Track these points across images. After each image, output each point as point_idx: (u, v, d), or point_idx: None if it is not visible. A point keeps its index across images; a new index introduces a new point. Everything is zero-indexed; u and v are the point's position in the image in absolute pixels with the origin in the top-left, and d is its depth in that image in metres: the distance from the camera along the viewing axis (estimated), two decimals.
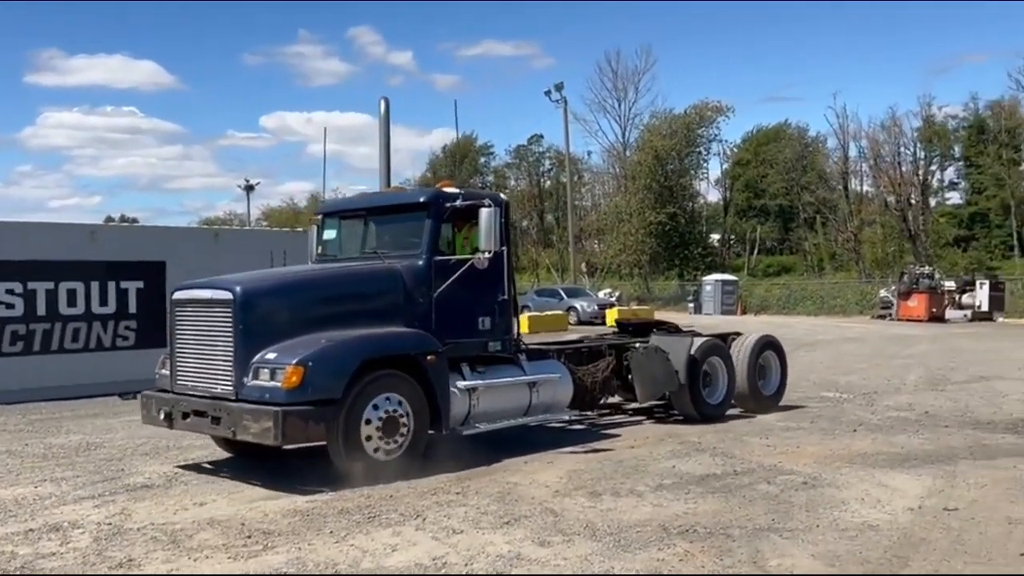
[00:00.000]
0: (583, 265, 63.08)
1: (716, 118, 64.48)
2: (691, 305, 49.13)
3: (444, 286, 9.36)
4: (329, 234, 10.67)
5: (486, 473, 8.70)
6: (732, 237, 75.69)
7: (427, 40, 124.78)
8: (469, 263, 9.45)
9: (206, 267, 16.91)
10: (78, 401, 14.64)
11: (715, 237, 73.59)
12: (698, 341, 11.96)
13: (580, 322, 38.25)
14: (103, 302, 15.89)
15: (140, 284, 16.28)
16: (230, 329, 8.48)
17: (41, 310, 15.23)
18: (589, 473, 8.65)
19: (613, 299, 46.05)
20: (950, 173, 67.74)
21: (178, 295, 9.21)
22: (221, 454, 9.93)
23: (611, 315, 38.34)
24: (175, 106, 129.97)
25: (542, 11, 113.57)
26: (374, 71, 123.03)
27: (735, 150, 75.02)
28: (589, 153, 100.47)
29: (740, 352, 12.49)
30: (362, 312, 9.11)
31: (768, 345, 12.94)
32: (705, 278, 51.71)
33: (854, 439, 10.38)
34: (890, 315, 40.26)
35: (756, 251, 72.83)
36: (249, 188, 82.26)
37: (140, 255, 16.37)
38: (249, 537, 6.67)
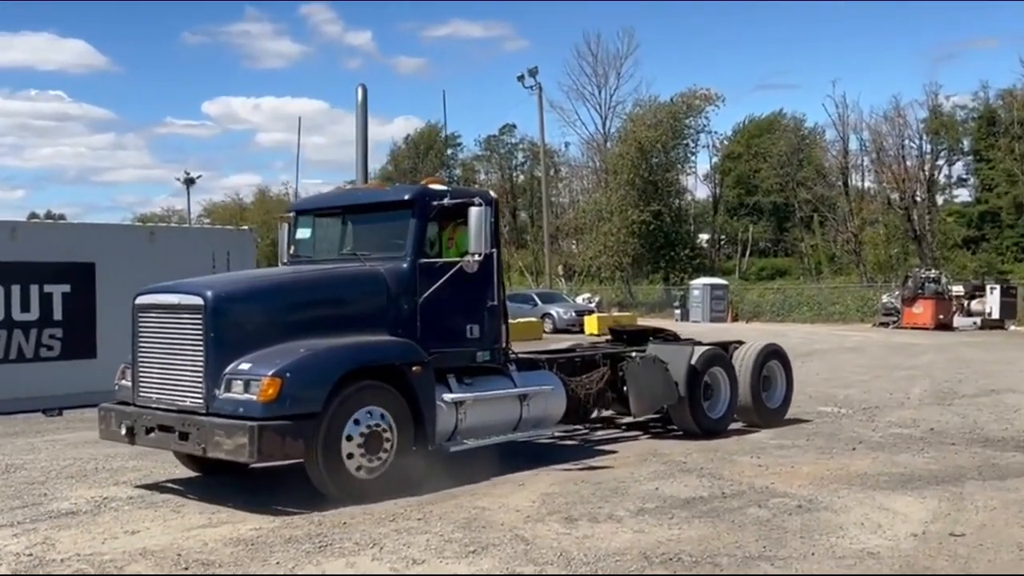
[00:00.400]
0: (559, 268, 63.20)
1: (705, 107, 64.84)
2: (677, 311, 49.37)
3: (430, 291, 9.51)
4: (303, 233, 10.76)
5: (450, 496, 8.69)
6: (722, 237, 76.12)
7: (388, 19, 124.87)
8: (457, 266, 9.60)
9: (141, 269, 16.82)
10: None
11: (704, 237, 73.95)
12: (699, 350, 12.10)
13: (556, 330, 38.35)
14: (25, 308, 15.68)
15: (66, 288, 16.11)
16: (200, 337, 8.56)
17: None
18: (564, 496, 8.66)
19: (592, 305, 46.23)
20: (958, 168, 68.43)
21: (141, 300, 9.34)
22: (155, 476, 9.89)
23: (589, 322, 38.52)
24: (107, 90, 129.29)
25: None
26: (329, 53, 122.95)
27: (725, 142, 75.48)
28: (566, 145, 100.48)
29: (743, 362, 12.67)
30: (342, 318, 9.25)
31: (773, 354, 13.17)
32: (693, 282, 51.97)
33: (853, 458, 10.47)
34: (893, 322, 40.66)
35: (748, 253, 73.20)
36: (189, 181, 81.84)
37: (67, 256, 16.20)
38: (186, 569, 6.62)
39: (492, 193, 10.55)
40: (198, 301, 8.66)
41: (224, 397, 8.34)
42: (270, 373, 8.17)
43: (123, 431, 9.04)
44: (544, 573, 6.45)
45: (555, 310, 41.00)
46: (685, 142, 65.51)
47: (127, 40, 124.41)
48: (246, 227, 20.32)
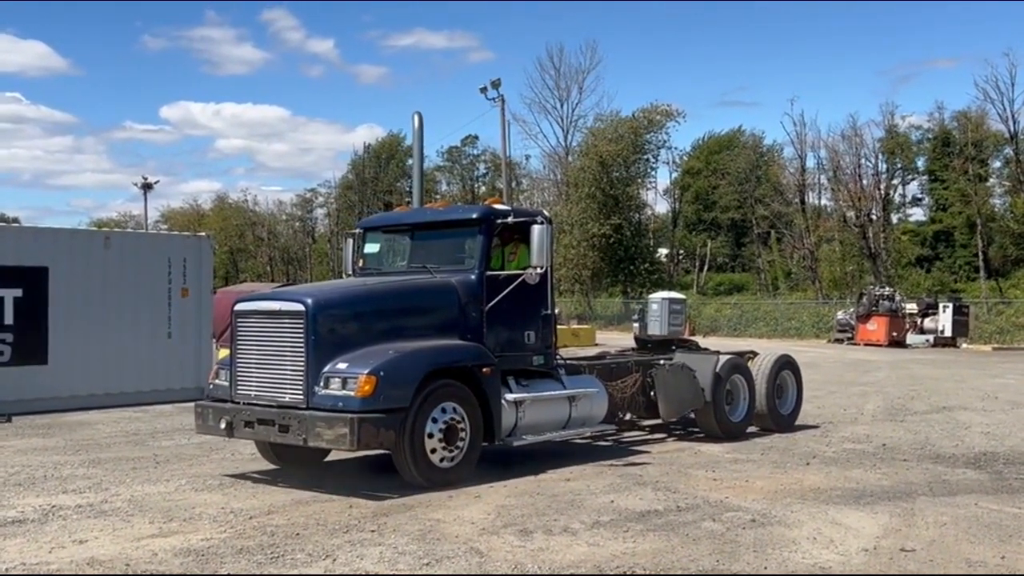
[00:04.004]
0: None
1: (665, 123, 65.23)
2: (636, 325, 49.26)
3: (495, 300, 10.47)
4: (371, 248, 11.80)
5: (404, 508, 8.64)
6: (681, 252, 76.64)
7: (351, 27, 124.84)
8: (520, 278, 10.54)
9: (95, 274, 16.74)
10: None
11: (663, 252, 74.31)
12: (723, 359, 13.04)
13: None
14: None
15: (18, 292, 15.88)
16: (301, 340, 9.42)
17: None
18: (519, 509, 8.64)
19: None
20: (913, 188, 69.43)
21: (241, 307, 10.12)
22: (105, 484, 9.78)
23: None
24: (66, 93, 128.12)
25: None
26: (291, 60, 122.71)
27: (685, 158, 76.10)
28: (528, 157, 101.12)
29: (760, 371, 13.62)
30: (420, 324, 10.23)
31: (786, 365, 14.22)
32: (651, 296, 51.84)
33: (806, 473, 10.55)
34: (848, 339, 41.07)
35: (706, 267, 73.76)
36: (147, 186, 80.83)
37: (19, 259, 15.97)
38: None
39: (547, 213, 11.42)
40: (300, 308, 9.50)
41: (324, 393, 9.20)
42: (366, 372, 9.07)
43: (222, 426, 9.78)
44: None
45: None
46: (645, 157, 65.82)
47: (87, 42, 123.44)
48: (203, 233, 20.09)
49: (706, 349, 13.96)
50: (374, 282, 10.92)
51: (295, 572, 6.70)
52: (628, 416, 12.93)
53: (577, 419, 11.29)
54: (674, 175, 76.23)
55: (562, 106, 70.30)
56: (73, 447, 12.38)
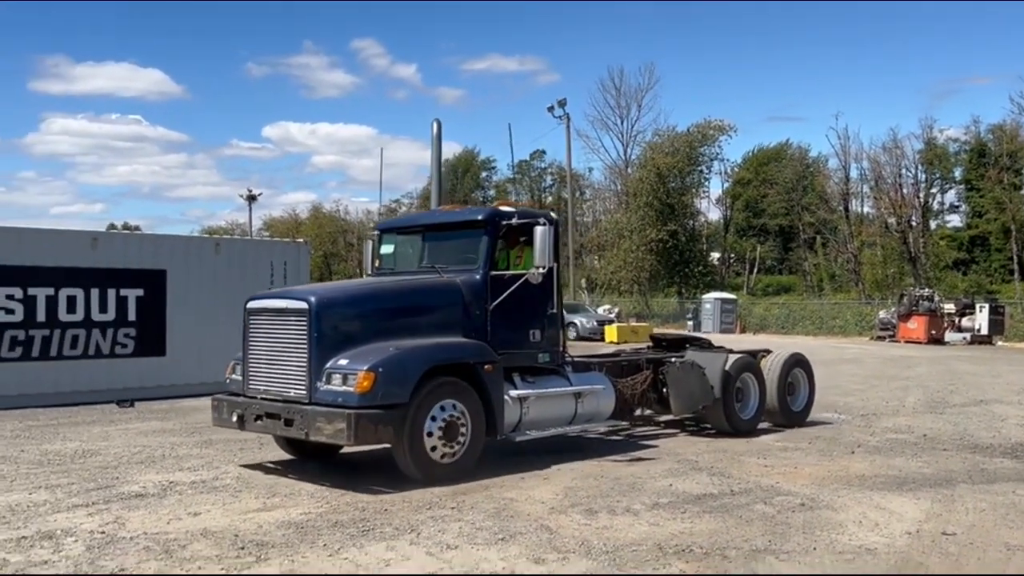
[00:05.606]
0: (583, 281, 62.98)
1: (718, 137, 64.45)
2: (690, 323, 49.05)
3: (499, 299, 9.93)
4: (387, 249, 11.29)
5: (481, 488, 8.65)
6: (732, 256, 75.67)
7: (432, 53, 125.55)
8: (523, 278, 9.98)
9: (207, 276, 17.08)
10: (75, 408, 14.65)
11: (715, 255, 73.48)
12: (732, 357, 12.33)
13: (579, 338, 38.19)
14: (103, 309, 15.86)
15: (140, 292, 16.27)
16: (305, 337, 8.98)
17: (41, 316, 15.21)
18: (585, 490, 8.60)
19: (612, 315, 45.99)
20: (951, 196, 67.85)
21: (252, 304, 9.76)
22: (216, 463, 9.96)
23: (609, 332, 38.36)
24: (180, 115, 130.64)
25: (548, 27, 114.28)
26: (378, 84, 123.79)
27: (736, 169, 75.11)
28: (591, 170, 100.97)
29: (771, 369, 12.86)
30: (424, 322, 9.68)
31: (797, 363, 13.32)
32: (704, 296, 51.62)
33: (852, 461, 10.34)
34: (889, 336, 40.23)
35: (755, 270, 72.77)
36: (251, 198, 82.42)
37: (141, 263, 16.36)
38: (242, 548, 6.62)
39: (554, 214, 10.87)
40: (304, 306, 9.05)
41: (325, 388, 8.76)
42: (365, 368, 8.59)
43: (234, 419, 9.44)
44: (567, 560, 6.40)
45: (578, 320, 40.78)
46: (700, 168, 64.98)
47: (199, 70, 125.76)
48: (301, 240, 20.37)
49: (720, 347, 13.09)
50: (380, 281, 10.49)
51: (383, 543, 6.76)
52: (645, 412, 12.37)
53: (583, 415, 10.69)
54: (726, 185, 75.29)
55: (622, 123, 69.97)
56: (188, 430, 12.64)
